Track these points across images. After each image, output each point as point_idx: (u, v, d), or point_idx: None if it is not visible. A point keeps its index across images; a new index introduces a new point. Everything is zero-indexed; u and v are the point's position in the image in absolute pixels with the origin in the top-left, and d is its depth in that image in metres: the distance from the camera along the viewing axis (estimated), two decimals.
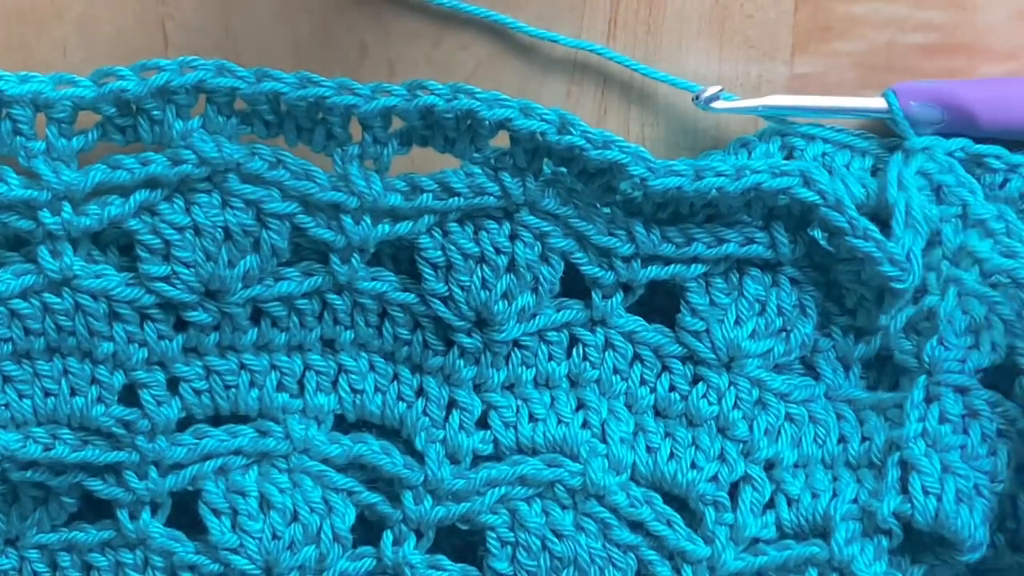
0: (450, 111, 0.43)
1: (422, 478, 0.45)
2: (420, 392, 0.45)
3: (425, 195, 0.44)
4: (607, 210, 0.45)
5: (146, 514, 0.45)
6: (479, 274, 0.44)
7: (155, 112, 0.42)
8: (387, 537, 0.46)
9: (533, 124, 0.43)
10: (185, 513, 0.46)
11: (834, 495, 0.46)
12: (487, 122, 0.43)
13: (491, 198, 0.44)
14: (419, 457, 0.45)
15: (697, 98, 0.46)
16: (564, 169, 0.44)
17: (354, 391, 0.46)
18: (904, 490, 0.45)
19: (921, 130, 0.47)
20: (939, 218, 0.46)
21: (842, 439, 0.47)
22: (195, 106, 0.43)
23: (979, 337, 0.46)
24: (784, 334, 0.46)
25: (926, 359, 0.46)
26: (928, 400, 0.46)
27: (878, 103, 0.47)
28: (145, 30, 0.45)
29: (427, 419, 0.45)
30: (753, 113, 0.47)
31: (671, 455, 0.46)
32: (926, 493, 0.45)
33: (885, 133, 0.48)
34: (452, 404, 0.45)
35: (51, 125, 0.42)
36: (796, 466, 0.47)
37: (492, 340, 0.45)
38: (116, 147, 0.43)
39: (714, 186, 0.44)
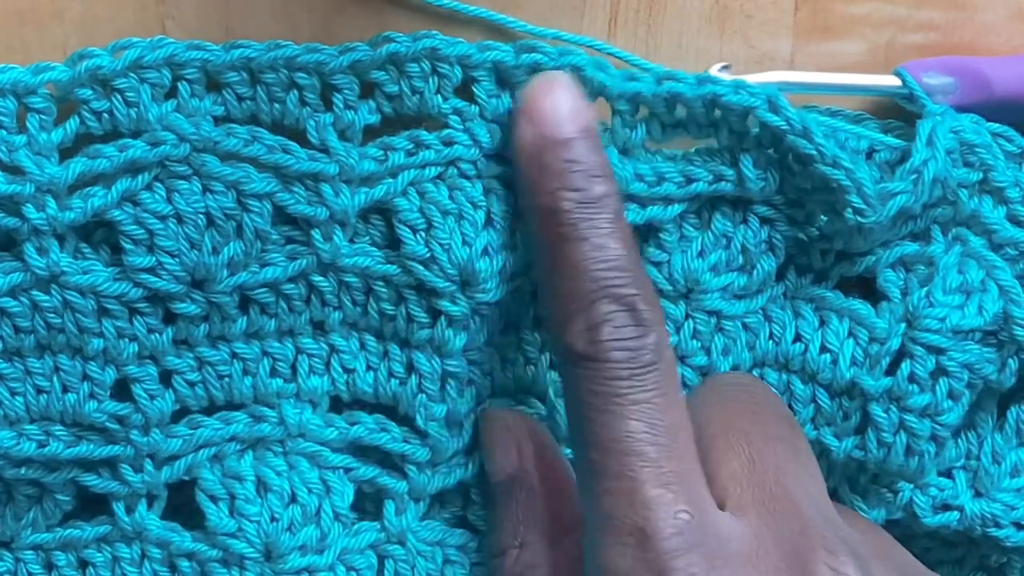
0: (414, 53, 0.40)
1: (428, 455, 0.43)
2: (410, 368, 0.43)
3: (397, 154, 0.41)
4: None
5: (142, 507, 0.42)
6: (458, 231, 0.41)
7: (130, 93, 0.39)
8: (389, 507, 0.43)
9: (491, 55, 0.41)
10: (180, 513, 0.43)
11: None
12: (450, 59, 0.40)
13: (460, 147, 0.41)
14: (417, 429, 0.43)
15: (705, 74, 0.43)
16: None
17: (346, 371, 0.43)
18: (859, 431, 0.44)
19: (936, 101, 0.44)
20: (958, 183, 0.43)
21: (798, 338, 0.44)
22: (169, 88, 0.40)
23: (968, 299, 0.43)
24: (747, 269, 0.44)
25: (911, 307, 0.43)
26: (900, 354, 0.43)
27: (889, 80, 0.45)
28: (145, 30, 0.42)
29: (424, 396, 0.42)
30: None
31: None
32: (880, 445, 0.43)
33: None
34: (446, 375, 0.42)
35: (31, 117, 0.39)
36: (753, 366, 0.44)
37: (479, 303, 0.41)
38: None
39: (674, 91, 0.41)
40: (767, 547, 0.36)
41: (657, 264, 0.43)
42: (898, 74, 0.44)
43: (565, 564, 0.40)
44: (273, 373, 0.42)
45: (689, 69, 0.44)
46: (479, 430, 0.43)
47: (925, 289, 0.43)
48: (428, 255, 0.41)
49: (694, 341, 0.43)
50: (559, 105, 0.39)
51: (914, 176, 0.42)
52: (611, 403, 0.36)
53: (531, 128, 0.39)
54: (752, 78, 0.43)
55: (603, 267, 0.37)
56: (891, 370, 0.43)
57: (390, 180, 0.41)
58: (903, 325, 0.43)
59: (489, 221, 0.41)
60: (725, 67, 0.43)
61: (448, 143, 0.41)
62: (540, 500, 0.41)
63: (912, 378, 0.43)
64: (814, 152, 0.41)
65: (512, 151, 0.40)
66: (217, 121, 0.40)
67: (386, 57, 0.40)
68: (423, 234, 0.41)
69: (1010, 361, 0.43)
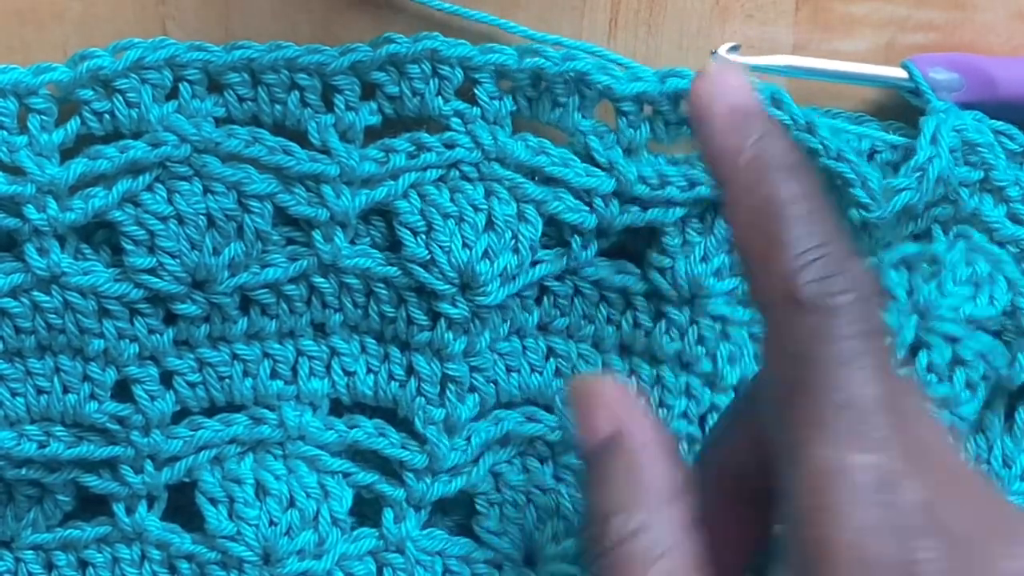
0: (414, 54, 0.40)
1: (426, 460, 0.42)
2: (410, 371, 0.42)
3: (398, 155, 0.41)
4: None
5: (142, 508, 0.42)
6: (459, 234, 0.41)
7: (131, 94, 0.39)
8: (388, 515, 0.43)
9: (493, 57, 0.41)
10: (180, 514, 0.43)
11: None
12: (451, 61, 0.40)
13: (463, 150, 0.41)
14: (417, 434, 0.43)
15: (713, 54, 0.43)
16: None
17: (346, 374, 0.43)
18: None
19: (941, 96, 0.44)
20: (959, 182, 0.43)
21: None
22: (170, 89, 0.40)
23: (978, 290, 0.43)
24: None
25: (921, 301, 0.43)
26: (916, 347, 0.43)
27: (895, 71, 0.44)
28: (145, 30, 0.41)
29: (423, 399, 0.42)
30: (768, 72, 0.43)
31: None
32: None
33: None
34: (445, 379, 0.42)
35: (32, 117, 0.39)
36: None
37: (479, 305, 0.41)
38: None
39: (678, 87, 0.41)
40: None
41: (661, 270, 0.43)
42: (905, 67, 0.44)
43: (673, 529, 0.37)
44: (274, 375, 0.42)
45: (690, 68, 0.43)
46: (565, 399, 0.42)
47: (935, 281, 0.43)
48: (428, 257, 0.41)
49: (699, 347, 0.43)
50: None
51: (919, 173, 0.42)
52: (847, 357, 0.34)
53: None
54: (759, 60, 0.43)
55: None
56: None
57: (391, 182, 0.41)
58: (915, 318, 0.42)
59: (490, 224, 0.41)
60: (734, 47, 0.43)
61: (450, 145, 0.41)
62: (640, 463, 0.38)
63: (930, 368, 0.42)
64: (818, 146, 0.41)
65: None
66: (218, 122, 0.40)
67: (386, 58, 0.40)
68: (423, 236, 0.41)
69: (1019, 355, 0.43)
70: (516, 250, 0.41)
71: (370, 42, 0.40)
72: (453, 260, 0.41)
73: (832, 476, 0.33)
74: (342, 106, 0.40)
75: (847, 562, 0.32)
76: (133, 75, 0.39)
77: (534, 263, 0.42)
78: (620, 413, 0.38)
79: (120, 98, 0.39)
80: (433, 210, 0.41)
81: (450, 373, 0.42)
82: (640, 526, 0.37)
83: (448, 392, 0.42)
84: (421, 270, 0.41)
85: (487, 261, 0.41)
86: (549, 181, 0.41)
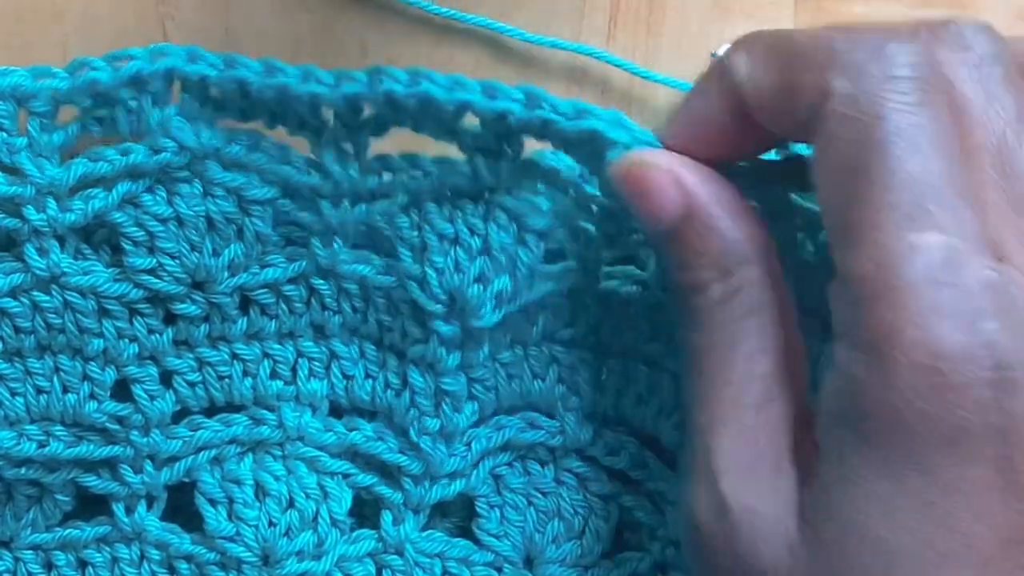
0: (410, 97, 0.37)
1: (423, 467, 0.42)
2: (406, 382, 0.42)
3: (397, 175, 0.40)
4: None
5: (142, 508, 0.42)
6: (453, 256, 0.40)
7: (131, 102, 0.39)
8: (387, 517, 0.43)
9: (498, 104, 0.37)
10: (180, 514, 0.43)
11: None
12: (449, 107, 0.38)
13: (463, 178, 0.39)
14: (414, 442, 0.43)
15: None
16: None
17: (345, 377, 0.42)
18: None
19: None
20: None
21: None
22: (170, 94, 0.39)
23: None
24: None
25: None
26: None
27: None
28: (145, 30, 0.42)
29: (416, 411, 0.42)
30: None
31: (638, 400, 0.43)
32: None
33: None
34: (440, 393, 0.42)
35: (32, 119, 0.39)
36: None
37: (471, 327, 0.40)
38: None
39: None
40: None
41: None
42: None
43: (764, 285, 0.35)
44: (273, 375, 0.42)
45: (689, 69, 0.44)
46: (618, 187, 0.37)
47: None
48: (421, 275, 0.40)
49: None
50: None
51: None
52: (908, 135, 0.32)
53: None
54: None
55: None
56: None
57: (388, 200, 0.40)
58: None
59: (487, 247, 0.40)
60: None
61: (449, 172, 0.39)
62: (722, 227, 0.36)
63: None
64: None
65: None
66: None
67: (383, 98, 0.38)
68: (419, 254, 0.40)
69: None
70: (514, 273, 0.40)
71: (366, 70, 0.38)
72: (445, 282, 0.40)
73: (896, 257, 0.31)
74: (340, 125, 0.39)
75: (912, 344, 0.31)
76: (131, 86, 0.38)
77: (536, 282, 0.40)
78: (687, 183, 0.36)
79: (121, 106, 0.39)
80: (428, 229, 0.40)
81: (444, 387, 0.41)
82: (735, 288, 0.35)
83: (444, 405, 0.41)
84: (415, 286, 0.40)
85: (479, 285, 0.39)
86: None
